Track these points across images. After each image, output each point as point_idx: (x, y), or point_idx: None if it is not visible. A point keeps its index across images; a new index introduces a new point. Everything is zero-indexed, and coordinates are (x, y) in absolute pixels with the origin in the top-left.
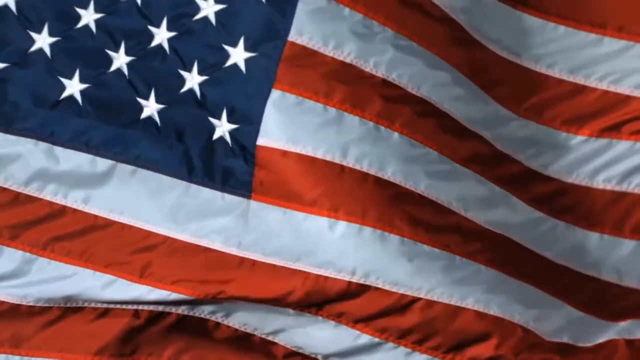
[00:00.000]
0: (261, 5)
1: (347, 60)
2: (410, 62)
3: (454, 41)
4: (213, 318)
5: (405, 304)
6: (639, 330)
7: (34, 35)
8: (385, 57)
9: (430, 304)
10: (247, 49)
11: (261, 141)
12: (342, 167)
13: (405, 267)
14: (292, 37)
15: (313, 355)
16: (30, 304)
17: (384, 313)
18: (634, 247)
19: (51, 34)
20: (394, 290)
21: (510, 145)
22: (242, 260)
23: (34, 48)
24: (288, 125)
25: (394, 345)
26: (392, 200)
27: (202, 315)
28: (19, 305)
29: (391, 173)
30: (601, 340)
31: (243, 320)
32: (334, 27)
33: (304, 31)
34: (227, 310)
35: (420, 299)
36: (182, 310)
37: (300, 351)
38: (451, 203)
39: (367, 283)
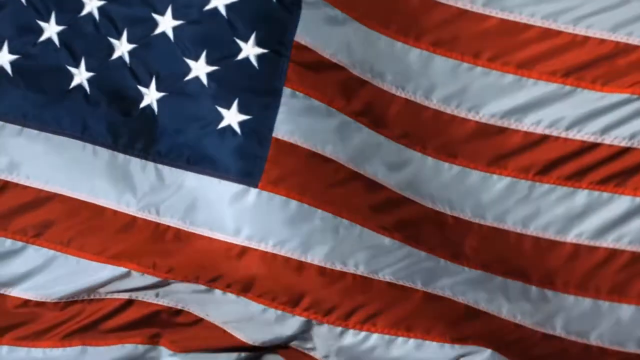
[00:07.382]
0: (270, 3)
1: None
2: None
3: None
4: None
5: None
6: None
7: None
8: None
9: None
10: (258, 44)
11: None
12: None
13: None
14: (298, 37)
15: None
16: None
17: None
18: None
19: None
20: None
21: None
22: None
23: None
24: (299, 124)
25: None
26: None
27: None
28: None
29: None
30: None
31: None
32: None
33: (307, 34)
34: None
35: None
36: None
37: None
38: None
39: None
